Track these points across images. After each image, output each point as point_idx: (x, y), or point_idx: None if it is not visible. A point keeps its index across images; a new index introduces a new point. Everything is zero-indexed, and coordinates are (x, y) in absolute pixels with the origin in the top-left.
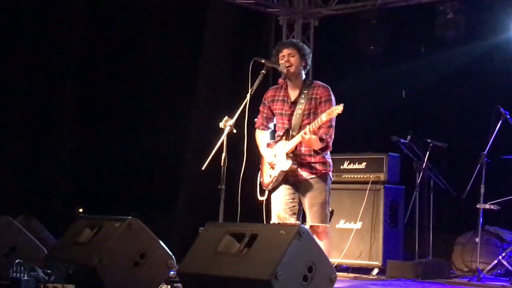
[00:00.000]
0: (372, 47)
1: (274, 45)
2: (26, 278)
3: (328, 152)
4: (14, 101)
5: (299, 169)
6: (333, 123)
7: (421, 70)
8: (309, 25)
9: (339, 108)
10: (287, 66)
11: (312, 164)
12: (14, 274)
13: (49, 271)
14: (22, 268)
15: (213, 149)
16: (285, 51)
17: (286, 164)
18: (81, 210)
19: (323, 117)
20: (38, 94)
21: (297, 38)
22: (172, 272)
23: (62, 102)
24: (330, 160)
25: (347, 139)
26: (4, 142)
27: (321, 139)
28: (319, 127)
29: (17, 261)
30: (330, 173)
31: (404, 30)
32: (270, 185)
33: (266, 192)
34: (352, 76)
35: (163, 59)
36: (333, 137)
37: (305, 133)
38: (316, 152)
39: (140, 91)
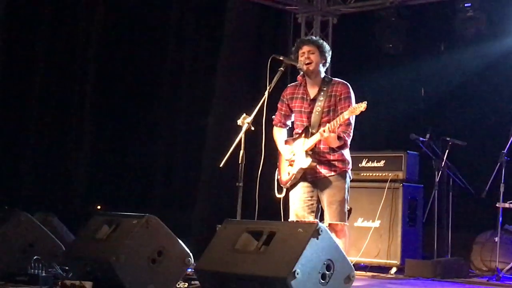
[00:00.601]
0: (391, 45)
1: (292, 42)
2: (44, 274)
3: (348, 150)
4: (33, 98)
5: (318, 167)
6: (352, 121)
7: (440, 68)
8: (327, 22)
9: (362, 106)
10: (307, 63)
11: (331, 162)
12: (32, 270)
13: (67, 268)
14: (40, 265)
15: (231, 146)
16: (305, 48)
17: (305, 162)
18: (99, 207)
19: (345, 115)
20: (57, 92)
21: (316, 35)
22: (189, 270)
23: (81, 100)
24: (349, 158)
25: (365, 137)
26: (22, 139)
27: (339, 137)
28: (340, 125)
29: (35, 257)
30: (349, 171)
31: (423, 27)
32: (289, 182)
33: (284, 190)
34: (371, 74)
35: (181, 56)
36: (351, 135)
37: (323, 131)
38: (335, 150)
39: (158, 88)
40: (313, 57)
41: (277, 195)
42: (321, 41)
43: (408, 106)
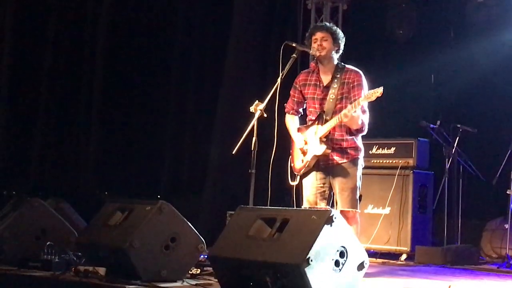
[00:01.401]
0: (401, 31)
1: (302, 29)
2: (57, 260)
3: (360, 138)
4: (41, 84)
5: (331, 154)
6: (366, 108)
7: (451, 55)
8: (337, 8)
9: (378, 92)
10: (320, 50)
11: (344, 149)
12: (46, 256)
13: (79, 254)
14: (53, 251)
15: (243, 133)
16: (318, 35)
17: (320, 149)
18: (106, 193)
19: (362, 101)
20: (65, 77)
21: (325, 22)
22: (202, 256)
23: (88, 85)
24: (362, 146)
25: (376, 123)
26: (31, 126)
27: None
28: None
29: (48, 243)
30: (362, 159)
31: (434, 14)
32: (302, 170)
33: (298, 177)
34: (381, 61)
35: (190, 42)
36: (367, 121)
37: (349, 110)
38: (350, 134)
39: (167, 74)
40: (325, 44)
41: (291, 183)
42: (335, 27)
43: (419, 93)
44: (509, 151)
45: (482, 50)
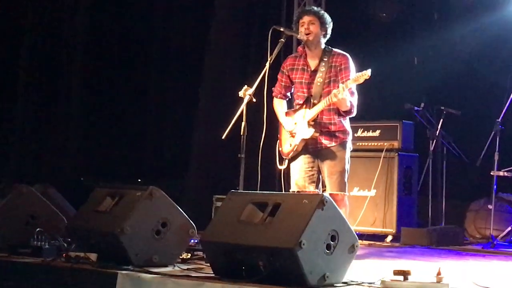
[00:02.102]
0: (384, 14)
1: (286, 12)
2: (47, 246)
3: (348, 121)
4: (23, 70)
5: (319, 137)
6: (354, 90)
7: (434, 37)
8: None
9: (366, 74)
10: (307, 34)
11: (332, 132)
12: (35, 242)
13: (69, 240)
14: (43, 237)
15: (226, 117)
16: (306, 18)
17: (308, 132)
18: (81, 178)
19: (349, 83)
20: (45, 63)
21: (308, 5)
22: (192, 241)
23: (70, 69)
24: (349, 129)
25: (361, 106)
26: (13, 111)
27: None
28: None
29: (38, 229)
30: (350, 142)
31: None
32: (291, 154)
33: (286, 161)
34: (365, 44)
35: (171, 26)
36: (356, 103)
37: (338, 92)
38: (339, 116)
39: (149, 57)
40: (313, 28)
41: (279, 167)
42: (323, 12)
43: (403, 75)
44: (493, 132)
45: (465, 32)
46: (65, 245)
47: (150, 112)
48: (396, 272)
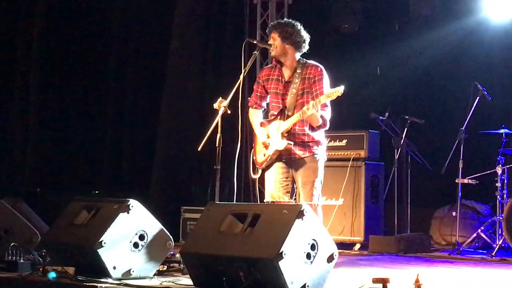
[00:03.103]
0: (347, 25)
1: (248, 24)
2: (22, 261)
3: (323, 132)
4: None
5: (293, 148)
6: (328, 103)
7: (396, 47)
8: (283, 3)
9: (338, 91)
10: (271, 49)
11: (306, 143)
12: (10, 257)
13: (44, 254)
14: (18, 251)
15: (189, 128)
16: (270, 34)
17: (281, 144)
18: (38, 189)
19: (322, 99)
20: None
21: (271, 16)
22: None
23: (24, 78)
24: (323, 140)
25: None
26: None
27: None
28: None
29: (12, 244)
30: (324, 152)
31: (378, 7)
32: (264, 164)
33: (260, 170)
34: (328, 55)
35: (128, 37)
36: (329, 117)
37: (307, 108)
38: (314, 129)
39: (104, 71)
40: (275, 43)
41: (253, 176)
42: (285, 24)
43: (367, 85)
44: (457, 141)
45: (427, 42)
46: (40, 259)
47: (109, 123)
48: (375, 280)
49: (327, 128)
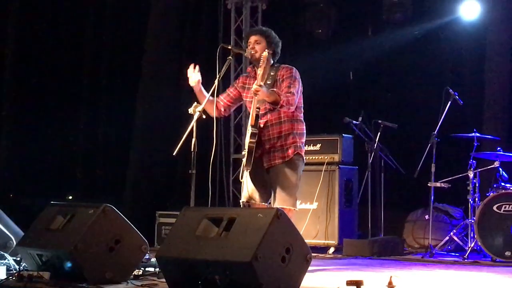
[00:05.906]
0: (320, 30)
1: (223, 29)
2: None
3: (300, 137)
4: None
5: (271, 153)
6: (294, 91)
7: (369, 52)
8: (257, 8)
9: (264, 55)
10: (253, 52)
11: (284, 148)
12: None
13: (19, 259)
14: None
15: (163, 134)
16: (252, 38)
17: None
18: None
19: (259, 71)
20: None
21: (246, 21)
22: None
23: None
24: (301, 145)
25: None
26: None
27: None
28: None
29: None
30: (302, 157)
31: (351, 12)
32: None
33: (245, 173)
34: (301, 59)
35: (102, 44)
36: (291, 101)
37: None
38: (287, 135)
39: (80, 71)
40: (258, 47)
41: (241, 180)
42: (270, 31)
43: (340, 90)
44: (429, 145)
45: (399, 47)
46: (15, 264)
47: (82, 127)
48: (349, 283)
49: (288, 106)
